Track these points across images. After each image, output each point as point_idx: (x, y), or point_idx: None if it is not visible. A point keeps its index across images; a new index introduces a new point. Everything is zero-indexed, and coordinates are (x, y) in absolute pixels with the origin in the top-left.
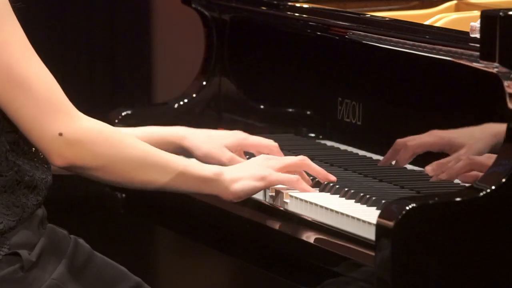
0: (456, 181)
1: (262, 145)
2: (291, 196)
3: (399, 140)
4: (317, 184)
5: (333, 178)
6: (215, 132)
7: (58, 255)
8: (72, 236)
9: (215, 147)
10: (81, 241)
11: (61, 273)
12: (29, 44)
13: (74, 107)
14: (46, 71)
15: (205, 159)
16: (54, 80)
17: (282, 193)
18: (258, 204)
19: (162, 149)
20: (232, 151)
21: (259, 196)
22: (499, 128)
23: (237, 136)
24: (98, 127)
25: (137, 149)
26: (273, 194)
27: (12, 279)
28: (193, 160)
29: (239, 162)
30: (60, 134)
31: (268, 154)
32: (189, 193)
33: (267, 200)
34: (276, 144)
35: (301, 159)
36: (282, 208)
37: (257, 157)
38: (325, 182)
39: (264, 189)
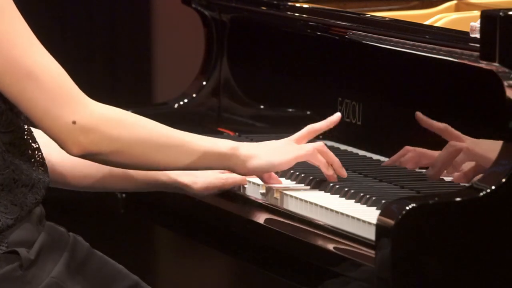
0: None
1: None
2: (291, 196)
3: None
4: (317, 184)
5: (344, 173)
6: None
7: (57, 252)
8: (71, 233)
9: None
10: (79, 238)
11: (60, 271)
12: (33, 35)
13: (84, 94)
14: (52, 61)
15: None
16: (61, 68)
17: (283, 193)
18: (258, 204)
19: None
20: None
21: (259, 195)
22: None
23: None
24: (111, 111)
25: (153, 130)
26: (276, 195)
27: (11, 277)
28: (209, 138)
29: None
30: (74, 123)
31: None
32: (206, 168)
33: (267, 200)
34: (313, 152)
35: (320, 146)
36: (282, 208)
37: (278, 140)
38: (325, 182)
39: (278, 170)
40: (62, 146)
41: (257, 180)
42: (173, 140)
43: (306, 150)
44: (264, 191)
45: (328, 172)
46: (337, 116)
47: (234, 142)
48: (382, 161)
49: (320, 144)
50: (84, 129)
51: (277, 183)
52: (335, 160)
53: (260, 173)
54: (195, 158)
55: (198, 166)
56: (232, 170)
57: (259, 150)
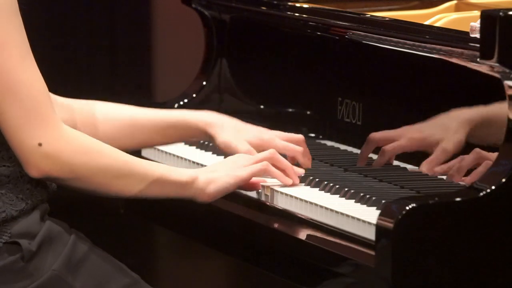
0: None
1: (288, 149)
2: (292, 196)
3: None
4: (317, 184)
5: (300, 172)
6: (242, 124)
7: (58, 246)
8: (72, 229)
9: (236, 138)
10: (81, 234)
11: (62, 265)
12: (29, 48)
13: (58, 117)
14: (38, 78)
15: (223, 147)
16: (45, 87)
17: (282, 193)
18: (257, 204)
19: (186, 134)
20: (253, 146)
21: (259, 196)
22: (470, 113)
23: (262, 137)
24: (78, 138)
25: (116, 160)
26: (270, 194)
27: (12, 269)
28: (170, 167)
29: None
30: (40, 145)
31: (292, 155)
32: (165, 198)
33: (266, 200)
34: (300, 149)
35: (270, 154)
36: (282, 208)
37: (229, 157)
38: (325, 182)
39: (237, 186)
40: (23, 165)
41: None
42: (134, 169)
43: (259, 167)
44: (265, 191)
45: (285, 182)
46: (300, 172)
47: (193, 171)
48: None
49: (270, 153)
50: (48, 155)
51: (257, 188)
52: (288, 167)
53: (220, 196)
54: (155, 187)
55: (158, 195)
56: (194, 199)
57: (215, 174)
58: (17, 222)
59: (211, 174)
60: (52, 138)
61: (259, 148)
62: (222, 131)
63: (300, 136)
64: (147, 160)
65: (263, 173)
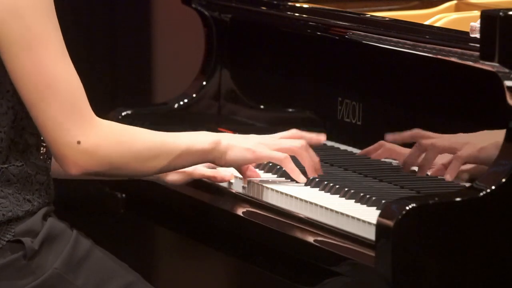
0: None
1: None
2: (292, 196)
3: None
4: (317, 184)
5: (317, 173)
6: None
7: (60, 244)
8: (73, 229)
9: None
10: (82, 233)
11: (63, 263)
12: (64, 46)
13: (92, 113)
14: (75, 75)
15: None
16: (81, 85)
17: (283, 193)
18: (257, 205)
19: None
20: None
21: (258, 196)
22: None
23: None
24: (112, 131)
25: (147, 143)
26: (270, 194)
27: (14, 266)
28: (192, 135)
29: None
30: (79, 143)
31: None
32: (190, 166)
33: (267, 200)
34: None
35: (298, 148)
36: (282, 208)
37: (258, 136)
38: (325, 182)
39: (253, 162)
40: (61, 163)
41: (255, 178)
42: (164, 148)
43: (278, 156)
44: (264, 191)
45: (299, 179)
46: (323, 137)
47: (216, 135)
48: (382, 161)
49: (298, 147)
50: (86, 151)
51: (255, 176)
52: (311, 164)
53: (236, 165)
54: (182, 159)
55: (184, 165)
56: (212, 163)
57: (237, 142)
58: (22, 222)
59: (233, 141)
60: (90, 135)
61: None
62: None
63: (294, 131)
64: (171, 134)
65: (280, 163)
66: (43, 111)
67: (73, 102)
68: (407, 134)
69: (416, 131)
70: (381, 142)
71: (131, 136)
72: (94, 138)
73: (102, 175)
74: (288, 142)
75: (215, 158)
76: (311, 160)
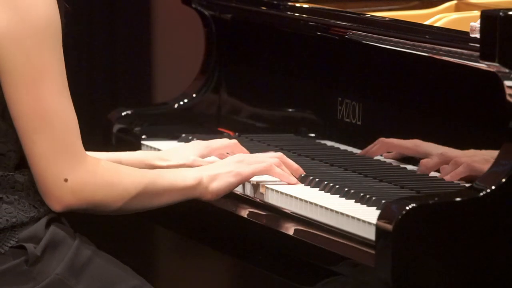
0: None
1: (224, 146)
2: (292, 196)
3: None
4: (317, 184)
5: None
6: (182, 147)
7: (62, 250)
8: (77, 233)
9: (188, 160)
10: (85, 238)
11: (65, 269)
12: (66, 79)
13: (84, 151)
14: (71, 110)
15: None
16: (76, 121)
17: (283, 193)
18: (257, 205)
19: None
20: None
21: (258, 195)
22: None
23: (200, 146)
24: (99, 171)
25: (132, 183)
26: (270, 194)
27: (16, 272)
28: (175, 173)
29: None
30: (65, 180)
31: (231, 152)
32: (174, 203)
33: (266, 200)
34: (235, 141)
35: (278, 157)
36: (282, 208)
37: (234, 155)
38: (325, 182)
39: (240, 184)
40: (44, 195)
41: (255, 178)
42: (148, 187)
43: (262, 167)
44: (263, 191)
45: (289, 181)
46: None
47: (196, 171)
48: (382, 161)
49: (277, 156)
50: (72, 190)
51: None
52: (294, 169)
53: (224, 193)
54: (165, 197)
55: (170, 202)
56: (199, 199)
57: (218, 171)
58: (25, 228)
59: (214, 171)
60: (78, 173)
61: (207, 156)
62: (170, 161)
63: (231, 141)
64: (156, 172)
65: (266, 172)
66: (34, 142)
67: (65, 138)
68: (406, 144)
69: (417, 142)
70: (380, 139)
71: (117, 175)
72: (82, 177)
73: (83, 212)
74: (265, 155)
75: (201, 194)
76: (291, 170)
